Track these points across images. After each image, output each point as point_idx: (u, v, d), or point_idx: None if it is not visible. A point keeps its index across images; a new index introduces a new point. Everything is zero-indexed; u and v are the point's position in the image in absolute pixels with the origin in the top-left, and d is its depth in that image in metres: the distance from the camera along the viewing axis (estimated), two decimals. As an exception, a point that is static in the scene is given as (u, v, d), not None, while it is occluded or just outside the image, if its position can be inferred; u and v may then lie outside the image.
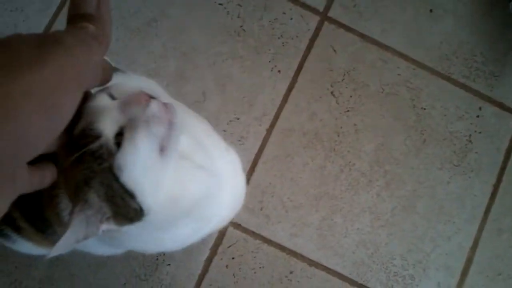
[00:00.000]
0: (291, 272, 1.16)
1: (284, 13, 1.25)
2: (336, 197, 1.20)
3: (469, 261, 1.20)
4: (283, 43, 1.24)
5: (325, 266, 1.17)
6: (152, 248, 0.77)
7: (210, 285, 1.15)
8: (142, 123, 0.53)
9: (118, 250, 0.92)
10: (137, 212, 0.55)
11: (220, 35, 1.24)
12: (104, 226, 0.55)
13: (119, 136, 0.53)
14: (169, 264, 1.15)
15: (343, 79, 1.24)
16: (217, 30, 1.24)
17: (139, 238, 0.65)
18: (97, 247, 0.79)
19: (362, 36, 1.26)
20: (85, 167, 0.51)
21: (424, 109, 1.24)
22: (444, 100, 1.25)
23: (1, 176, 0.36)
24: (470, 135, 1.25)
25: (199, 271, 1.15)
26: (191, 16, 1.24)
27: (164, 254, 1.15)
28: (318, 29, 1.26)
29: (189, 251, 1.15)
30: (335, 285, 1.17)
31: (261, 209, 1.17)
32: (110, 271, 1.13)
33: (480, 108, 1.26)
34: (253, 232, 1.17)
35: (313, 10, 1.26)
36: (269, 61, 1.23)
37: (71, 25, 0.44)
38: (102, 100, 0.53)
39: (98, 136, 0.51)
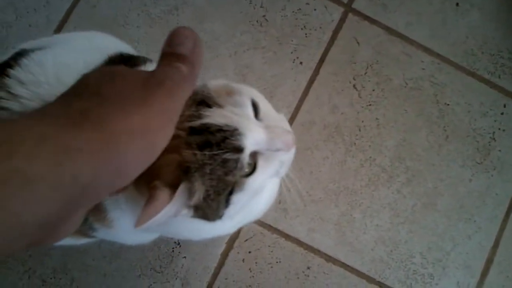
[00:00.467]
0: (308, 268, 1.15)
1: (307, 3, 1.23)
2: (355, 192, 1.18)
3: (489, 261, 1.18)
4: (306, 34, 1.22)
5: (342, 263, 1.15)
6: (189, 236, 0.78)
7: (226, 278, 1.13)
8: (277, 162, 0.58)
9: (145, 239, 0.90)
10: (217, 217, 0.58)
11: (242, 25, 1.21)
12: (184, 212, 0.55)
13: (251, 156, 0.55)
14: (184, 257, 1.13)
15: (366, 72, 1.21)
16: (239, 20, 1.22)
17: (187, 226, 0.66)
18: (129, 234, 0.78)
19: (387, 28, 1.24)
20: (206, 162, 0.52)
21: (448, 104, 1.22)
22: (468, 96, 1.23)
23: (89, 200, 0.39)
24: (494, 132, 1.22)
25: (215, 265, 1.13)
26: (213, 5, 1.22)
27: (179, 246, 1.13)
28: (342, 21, 1.23)
29: (205, 244, 1.13)
30: (352, 282, 1.15)
31: (279, 203, 1.15)
32: (125, 262, 1.12)
33: (504, 105, 1.24)
34: (270, 226, 1.15)
35: (337, 1, 1.24)
36: (291, 52, 1.21)
37: (165, 61, 0.46)
38: (248, 110, 0.56)
39: (239, 149, 0.53)
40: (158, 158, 0.47)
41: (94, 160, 0.36)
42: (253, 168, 0.56)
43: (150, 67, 0.73)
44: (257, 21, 1.22)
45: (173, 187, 0.52)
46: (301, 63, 1.21)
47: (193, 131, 0.52)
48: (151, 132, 0.40)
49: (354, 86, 1.21)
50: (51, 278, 1.10)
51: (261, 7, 1.22)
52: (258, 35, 1.21)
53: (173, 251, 1.13)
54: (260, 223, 1.14)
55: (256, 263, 1.14)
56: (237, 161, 0.53)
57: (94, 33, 0.81)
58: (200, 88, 0.56)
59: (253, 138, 0.54)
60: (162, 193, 0.51)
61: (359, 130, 1.20)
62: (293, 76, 1.20)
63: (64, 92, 0.42)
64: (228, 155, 0.52)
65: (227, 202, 0.56)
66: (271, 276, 1.14)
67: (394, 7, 1.24)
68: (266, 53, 1.20)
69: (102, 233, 0.73)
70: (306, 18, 1.22)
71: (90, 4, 1.21)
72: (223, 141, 0.52)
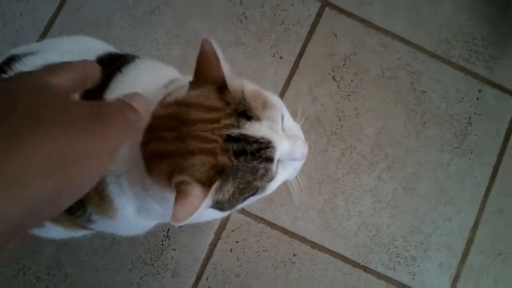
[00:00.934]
0: (294, 255, 1.18)
1: (284, -1, 1.27)
2: (338, 180, 1.21)
3: (470, 242, 1.22)
4: (284, 29, 1.26)
5: (327, 249, 1.19)
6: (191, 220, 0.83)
7: (215, 268, 1.16)
8: (292, 168, 0.67)
9: (142, 229, 0.94)
10: (231, 209, 0.65)
11: (223, 23, 1.25)
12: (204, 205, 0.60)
13: None
14: (174, 249, 1.16)
15: (344, 64, 1.25)
16: (219, 18, 1.25)
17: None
18: (130, 224, 0.80)
19: (363, 21, 1.28)
20: (240, 167, 0.59)
21: (424, 92, 1.26)
22: (444, 83, 1.27)
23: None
24: (470, 117, 1.26)
25: (203, 255, 1.16)
26: (193, 4, 1.25)
27: (169, 239, 1.16)
28: (319, 15, 1.27)
29: (193, 235, 1.17)
30: (337, 267, 1.19)
31: (264, 193, 1.19)
32: (116, 256, 1.15)
33: (479, 91, 1.27)
34: (257, 216, 1.19)
35: (313, -5, 1.27)
36: (271, 47, 1.24)
37: (119, 101, 0.41)
38: (279, 125, 0.63)
39: (271, 159, 0.61)
40: (191, 157, 0.56)
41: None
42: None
43: (139, 63, 0.77)
44: (237, 18, 1.25)
45: (203, 184, 0.58)
46: (281, 57, 1.24)
47: (230, 138, 0.59)
48: (88, 161, 0.35)
49: (333, 77, 1.24)
50: (45, 275, 1.14)
51: (240, 4, 1.26)
52: (238, 32, 1.25)
53: (162, 244, 1.16)
54: (246, 213, 1.18)
55: (243, 252, 1.17)
56: (267, 169, 0.61)
57: (82, 36, 0.84)
58: (241, 97, 0.62)
59: (282, 149, 0.62)
60: (195, 189, 0.57)
61: (339, 120, 1.23)
62: (274, 70, 1.23)
63: None
64: (260, 164, 0.60)
65: (245, 200, 0.63)
66: (259, 264, 1.17)
67: (370, 0, 1.28)
68: (247, 48, 1.24)
69: (100, 225, 0.77)
70: (284, 14, 1.26)
71: (74, 7, 1.24)
72: (258, 151, 0.59)
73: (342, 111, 1.24)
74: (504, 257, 1.22)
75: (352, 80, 1.25)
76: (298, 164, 0.69)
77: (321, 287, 1.18)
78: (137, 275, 1.15)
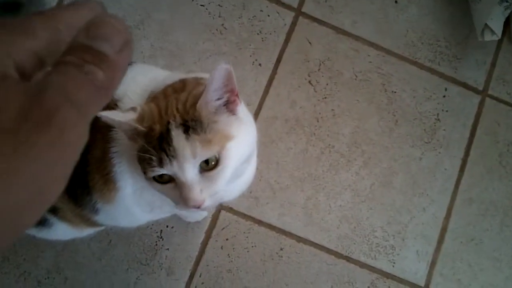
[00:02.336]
0: (281, 249, 1.25)
1: (261, 10, 1.35)
2: (318, 177, 1.29)
3: (444, 230, 1.30)
4: (262, 38, 1.34)
5: (312, 242, 1.26)
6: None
7: (207, 265, 1.23)
8: (166, 200, 0.75)
9: (139, 219, 0.96)
10: None
11: (204, 34, 1.33)
12: None
13: None
14: (167, 249, 1.22)
15: (319, 69, 1.33)
16: (200, 30, 1.33)
17: None
18: (128, 209, 0.85)
19: (335, 28, 1.36)
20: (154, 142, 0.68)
21: (395, 92, 1.35)
22: (413, 83, 1.35)
23: None
24: (438, 114, 1.35)
25: (196, 253, 1.23)
26: (175, 18, 1.33)
27: (162, 240, 1.22)
28: (293, 24, 1.35)
29: (185, 235, 1.23)
30: (322, 258, 1.25)
31: (250, 192, 1.26)
32: (113, 258, 1.21)
33: (446, 89, 1.36)
34: (244, 214, 1.25)
35: (288, 6, 1.36)
36: (250, 56, 1.32)
37: (71, 58, 0.27)
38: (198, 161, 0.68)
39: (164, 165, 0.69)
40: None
41: None
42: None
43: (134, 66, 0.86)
44: (216, 29, 1.33)
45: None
46: (260, 64, 1.32)
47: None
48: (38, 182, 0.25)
49: (309, 82, 1.33)
50: (45, 279, 1.19)
51: (219, 16, 1.33)
52: (219, 42, 1.32)
53: (156, 244, 1.22)
54: (234, 212, 1.25)
55: (233, 249, 1.24)
56: (153, 164, 0.69)
57: None
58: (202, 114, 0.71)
59: (181, 175, 0.70)
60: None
61: (317, 121, 1.31)
62: (254, 77, 1.31)
63: None
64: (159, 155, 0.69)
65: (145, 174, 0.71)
66: (248, 259, 1.24)
67: (340, 8, 1.37)
68: (227, 58, 1.31)
69: (103, 214, 0.83)
70: (261, 24, 1.34)
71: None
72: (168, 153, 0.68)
73: (320, 113, 1.31)
74: (476, 242, 1.30)
75: (327, 84, 1.33)
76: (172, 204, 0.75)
77: (307, 278, 1.24)
78: (134, 275, 1.21)
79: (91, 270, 1.20)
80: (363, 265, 1.26)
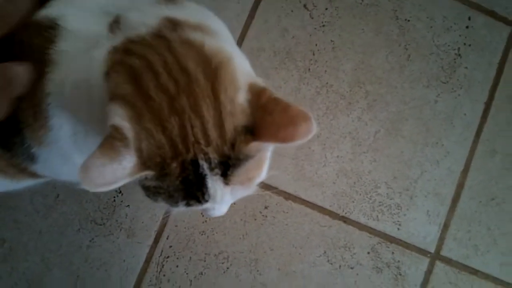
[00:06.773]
0: (265, 208, 1.12)
1: None
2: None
3: (460, 186, 1.17)
4: (246, -52, 1.15)
5: (303, 199, 1.13)
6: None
7: (176, 226, 1.09)
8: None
9: None
10: None
11: None
12: None
13: None
14: (128, 206, 1.08)
15: (317, -11, 1.17)
16: None
17: None
18: (66, 155, 0.74)
19: None
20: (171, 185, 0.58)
21: (408, 21, 1.18)
22: (430, 10, 1.19)
23: None
24: (459, 48, 1.19)
25: (162, 211, 1.08)
26: None
27: (121, 195, 1.08)
28: None
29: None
30: (314, 219, 1.13)
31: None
32: (61, 216, 1.07)
33: (469, 18, 1.20)
34: (222, 166, 1.08)
35: None
36: (232, -29, 1.14)
37: None
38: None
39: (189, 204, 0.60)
40: (159, 123, 0.53)
41: None
42: None
43: None
44: None
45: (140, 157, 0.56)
46: (244, -18, 1.14)
47: (195, 163, 0.56)
48: None
49: (304, 5, 1.16)
50: (-22, 240, 1.04)
51: None
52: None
53: (114, 200, 1.08)
54: (209, 162, 1.08)
55: (208, 206, 1.08)
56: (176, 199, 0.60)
57: None
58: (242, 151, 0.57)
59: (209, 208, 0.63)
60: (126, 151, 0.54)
61: (313, 54, 1.15)
62: (236, -2, 1.14)
63: None
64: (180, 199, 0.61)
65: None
66: (226, 219, 1.10)
67: None
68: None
69: (41, 162, 0.72)
70: None
71: None
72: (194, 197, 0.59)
73: (316, 44, 1.15)
74: (497, 201, 1.17)
75: (326, 9, 1.16)
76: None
77: (296, 241, 1.11)
78: (87, 237, 1.07)
79: (34, 231, 1.06)
80: (362, 227, 1.14)
